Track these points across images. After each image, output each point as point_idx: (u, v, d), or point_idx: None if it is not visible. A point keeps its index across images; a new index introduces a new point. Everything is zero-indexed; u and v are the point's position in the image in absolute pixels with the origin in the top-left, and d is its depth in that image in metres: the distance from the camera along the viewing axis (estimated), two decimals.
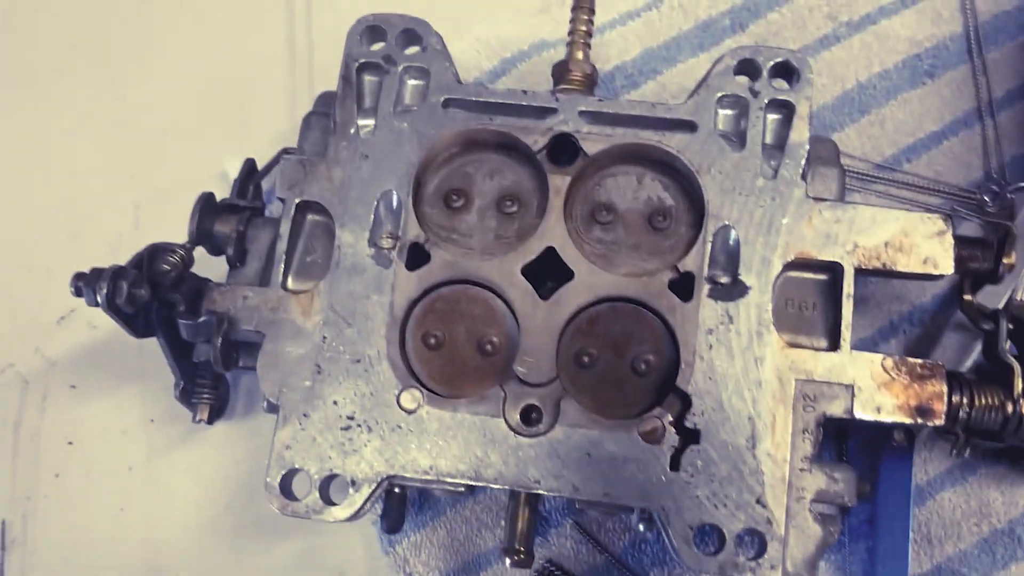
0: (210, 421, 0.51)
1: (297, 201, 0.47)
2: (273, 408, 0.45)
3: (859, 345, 0.52)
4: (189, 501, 0.54)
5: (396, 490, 0.45)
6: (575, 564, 0.51)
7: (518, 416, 0.44)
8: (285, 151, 0.56)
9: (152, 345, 0.56)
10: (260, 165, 0.56)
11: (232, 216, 0.49)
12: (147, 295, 0.43)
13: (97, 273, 0.43)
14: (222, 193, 0.55)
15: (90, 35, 0.64)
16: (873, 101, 0.56)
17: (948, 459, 0.50)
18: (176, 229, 0.55)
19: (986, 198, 0.53)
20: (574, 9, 0.50)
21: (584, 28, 0.50)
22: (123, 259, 0.58)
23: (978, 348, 0.49)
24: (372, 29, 0.49)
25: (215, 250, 0.49)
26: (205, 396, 0.50)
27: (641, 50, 0.58)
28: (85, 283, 0.42)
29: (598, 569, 0.51)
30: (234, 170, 0.58)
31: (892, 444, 0.48)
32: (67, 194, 0.60)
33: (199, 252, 0.48)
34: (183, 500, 0.54)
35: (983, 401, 0.42)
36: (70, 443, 0.56)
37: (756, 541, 0.41)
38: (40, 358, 0.57)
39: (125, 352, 0.57)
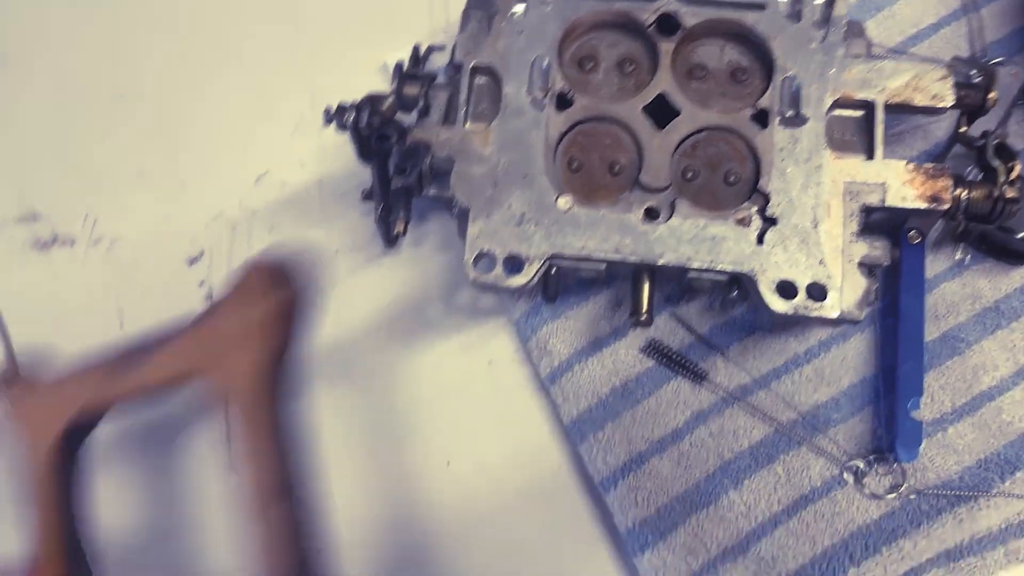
0: (404, 233, 0.66)
1: (472, 64, 0.63)
2: (463, 213, 0.61)
3: None
4: (370, 311, 0.70)
5: (554, 270, 0.61)
6: (672, 342, 0.67)
7: (643, 213, 0.60)
8: (431, 48, 0.72)
9: (328, 197, 0.73)
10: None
11: (416, 81, 0.65)
12: (378, 122, 0.59)
13: (343, 107, 0.59)
14: (385, 83, 0.71)
15: None
16: (886, 1, 0.73)
17: (949, 260, 0.67)
18: None
19: (973, 71, 0.71)
20: None
21: None
22: (303, 136, 0.75)
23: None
24: None
25: (404, 108, 0.65)
26: (401, 214, 0.66)
27: None
28: (337, 113, 0.59)
29: (690, 346, 0.67)
30: (392, 62, 0.74)
31: (908, 243, 0.65)
32: (257, 88, 0.76)
33: None
34: (365, 311, 0.70)
35: (977, 193, 0.59)
36: None
37: (821, 290, 0.58)
38: (243, 208, 0.73)
39: (310, 203, 0.73)
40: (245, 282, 0.55)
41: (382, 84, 0.72)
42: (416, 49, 0.69)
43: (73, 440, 0.57)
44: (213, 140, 0.75)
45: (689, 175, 0.62)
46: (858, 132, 0.62)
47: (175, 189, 0.74)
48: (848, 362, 0.66)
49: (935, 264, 0.67)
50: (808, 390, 0.65)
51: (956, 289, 0.67)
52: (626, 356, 0.67)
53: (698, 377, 0.66)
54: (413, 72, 0.66)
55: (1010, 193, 0.58)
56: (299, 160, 0.73)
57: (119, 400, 0.56)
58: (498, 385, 0.69)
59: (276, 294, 0.54)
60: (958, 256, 0.67)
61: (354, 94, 0.72)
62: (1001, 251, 0.66)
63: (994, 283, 0.66)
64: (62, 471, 0.56)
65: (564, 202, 0.60)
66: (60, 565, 0.54)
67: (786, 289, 0.58)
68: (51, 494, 0.55)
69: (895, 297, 0.66)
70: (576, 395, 0.66)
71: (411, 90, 0.65)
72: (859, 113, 0.62)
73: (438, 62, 0.69)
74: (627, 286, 0.62)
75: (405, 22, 0.77)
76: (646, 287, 0.61)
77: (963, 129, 0.63)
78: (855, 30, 0.64)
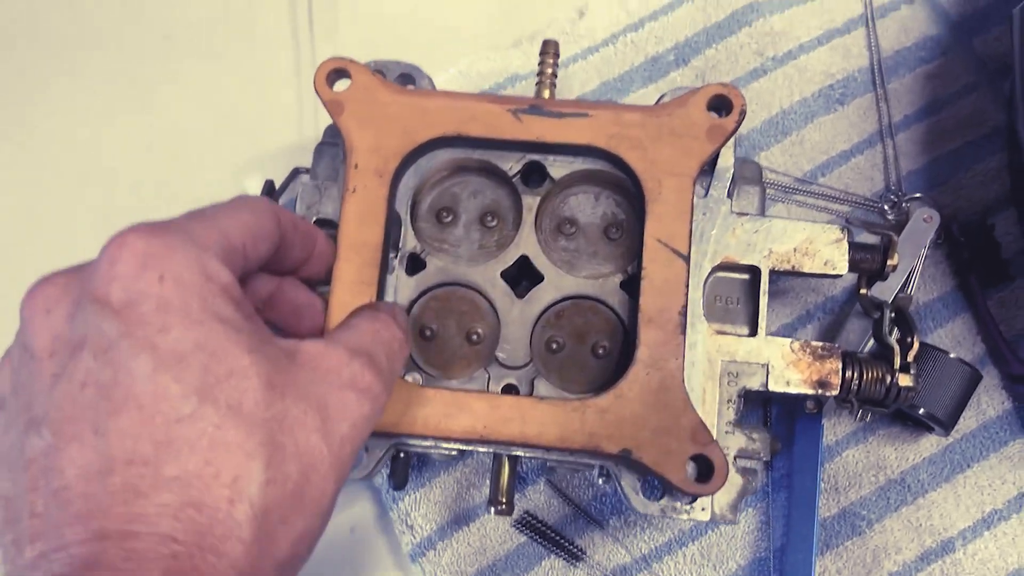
0: None
1: (314, 219, 0.57)
2: None
3: (780, 330, 0.63)
4: None
5: (401, 455, 0.55)
6: (548, 514, 0.61)
7: (499, 393, 0.54)
8: (296, 170, 0.66)
9: None
10: (275, 181, 0.66)
11: None
12: None
13: None
14: None
15: (125, 70, 0.73)
16: (794, 124, 0.66)
17: (852, 424, 0.61)
18: None
19: (886, 207, 0.64)
20: (542, 54, 0.59)
21: (550, 70, 0.59)
22: None
23: None
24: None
25: None
26: None
27: (599, 82, 0.68)
28: None
29: (567, 518, 0.61)
30: (253, 187, 0.68)
31: (805, 412, 0.59)
32: (106, 208, 0.70)
33: None
34: None
35: (870, 375, 0.53)
36: None
37: None
38: None
39: None
40: None
41: None
42: (269, 184, 0.63)
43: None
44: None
45: (554, 346, 0.55)
46: (743, 296, 0.56)
47: None
48: (737, 541, 0.60)
49: (838, 426, 0.61)
50: (692, 573, 0.59)
51: (860, 457, 0.60)
52: (496, 531, 0.61)
53: (574, 556, 0.60)
54: None
55: (904, 381, 0.52)
56: None
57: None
58: (360, 556, 0.63)
59: None
60: (861, 419, 0.61)
61: None
62: (907, 417, 0.60)
63: (900, 452, 0.60)
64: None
65: (411, 380, 0.54)
66: None
67: (653, 486, 0.52)
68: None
69: (790, 468, 0.60)
70: None
71: None
72: (743, 276, 0.56)
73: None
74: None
75: (272, 135, 0.70)
76: (505, 471, 0.55)
77: (863, 291, 0.57)
78: (748, 174, 0.58)
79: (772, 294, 0.62)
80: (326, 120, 0.62)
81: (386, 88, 0.55)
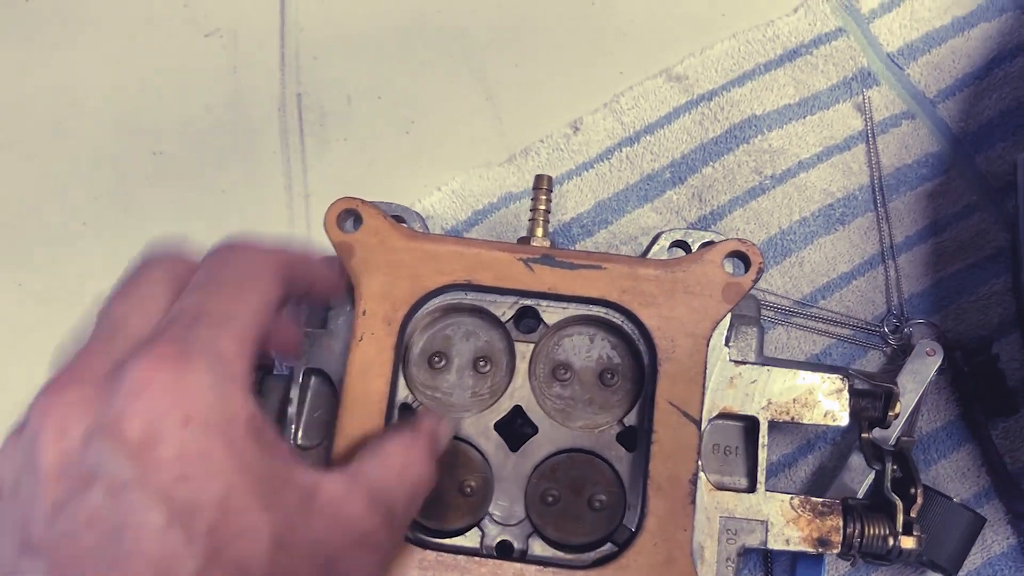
0: None
1: (303, 368, 0.56)
2: None
3: (781, 459, 0.62)
4: None
5: None
6: None
7: (494, 548, 0.53)
8: None
9: None
10: None
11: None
12: None
13: None
14: None
15: (115, 188, 0.72)
16: (793, 245, 0.65)
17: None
18: None
19: (888, 330, 0.63)
20: (535, 188, 0.58)
21: (543, 207, 0.58)
22: None
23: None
24: None
25: None
26: None
27: (595, 201, 0.66)
28: None
29: None
30: None
31: (804, 555, 0.58)
32: None
33: None
34: None
35: (872, 531, 0.52)
36: None
37: None
38: None
39: None
40: None
41: None
42: None
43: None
44: None
45: (549, 499, 0.54)
46: (741, 444, 0.55)
47: None
48: None
49: (840, 563, 0.60)
50: None
51: None
52: None
53: None
54: None
55: (907, 543, 0.51)
56: None
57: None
58: None
59: None
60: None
61: None
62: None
63: None
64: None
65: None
66: None
67: None
68: None
69: None
70: None
71: None
72: (741, 423, 0.55)
73: None
74: None
75: None
76: None
77: (864, 435, 0.56)
78: (746, 312, 0.56)
79: (771, 425, 0.60)
80: (316, 242, 0.61)
81: (397, 232, 0.54)
